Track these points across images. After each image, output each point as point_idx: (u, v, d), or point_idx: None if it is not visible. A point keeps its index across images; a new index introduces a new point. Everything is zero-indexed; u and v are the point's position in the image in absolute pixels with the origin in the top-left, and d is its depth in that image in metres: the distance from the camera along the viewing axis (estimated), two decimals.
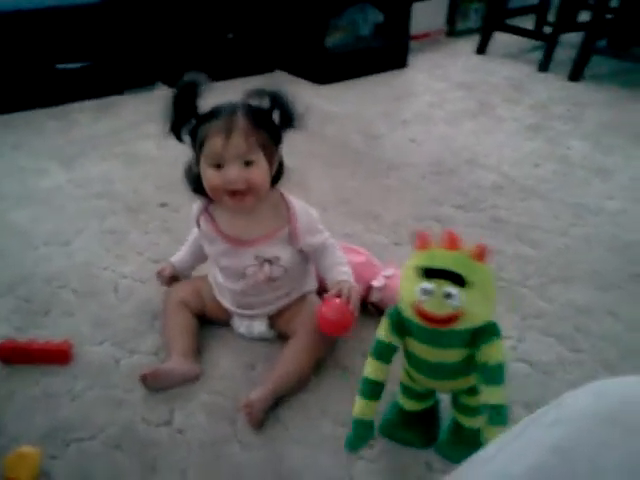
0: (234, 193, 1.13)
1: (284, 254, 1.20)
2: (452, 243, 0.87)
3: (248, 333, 1.28)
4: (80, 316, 1.34)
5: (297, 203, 1.22)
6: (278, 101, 1.13)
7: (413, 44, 3.13)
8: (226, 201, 1.15)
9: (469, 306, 0.85)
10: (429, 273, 0.86)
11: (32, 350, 1.20)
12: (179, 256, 1.34)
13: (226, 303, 1.28)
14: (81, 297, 1.40)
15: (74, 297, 1.40)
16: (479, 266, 0.86)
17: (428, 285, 0.86)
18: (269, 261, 1.19)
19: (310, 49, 2.82)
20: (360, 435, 1.01)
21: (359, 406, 0.99)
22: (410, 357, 0.97)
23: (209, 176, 1.13)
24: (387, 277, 1.35)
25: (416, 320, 0.89)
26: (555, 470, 0.46)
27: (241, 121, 1.10)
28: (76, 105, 2.46)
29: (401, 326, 0.94)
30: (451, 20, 3.52)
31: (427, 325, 0.88)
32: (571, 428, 0.48)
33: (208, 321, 1.31)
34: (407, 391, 1.03)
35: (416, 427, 1.05)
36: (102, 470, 1.01)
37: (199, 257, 1.32)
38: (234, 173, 1.10)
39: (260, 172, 1.13)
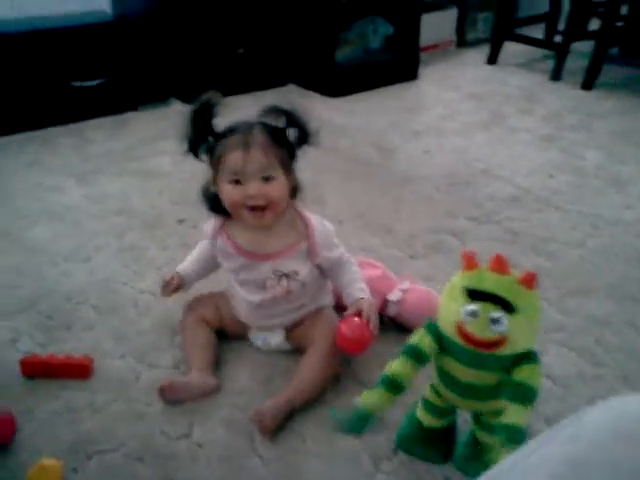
0: (254, 208, 1.14)
1: (302, 269, 1.21)
2: (501, 266, 0.86)
3: (265, 345, 1.29)
4: (100, 331, 1.35)
5: (314, 218, 1.23)
6: (293, 119, 1.15)
7: (423, 55, 3.15)
8: (245, 217, 1.16)
9: (513, 332, 0.85)
10: (475, 295, 0.86)
11: (54, 365, 1.21)
12: (186, 267, 1.32)
13: (243, 317, 1.29)
14: (101, 312, 1.41)
15: (94, 312, 1.41)
16: (527, 292, 0.86)
17: (475, 307, 0.86)
18: (287, 275, 1.21)
19: (320, 63, 2.84)
20: (358, 423, 1.01)
21: (371, 395, 0.98)
22: (443, 374, 0.97)
23: (228, 191, 1.14)
24: (403, 290, 1.35)
25: (457, 340, 0.89)
26: None
27: (259, 137, 1.12)
28: (91, 122, 2.49)
29: (439, 341, 0.94)
30: (460, 30, 3.53)
31: (469, 347, 0.88)
32: (587, 444, 0.49)
33: (226, 336, 1.31)
34: (429, 407, 1.03)
35: (434, 443, 1.05)
36: None
37: (206, 268, 1.33)
38: (254, 188, 1.12)
39: (279, 188, 1.15)
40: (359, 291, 1.23)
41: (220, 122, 1.16)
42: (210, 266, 1.32)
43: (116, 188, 2.00)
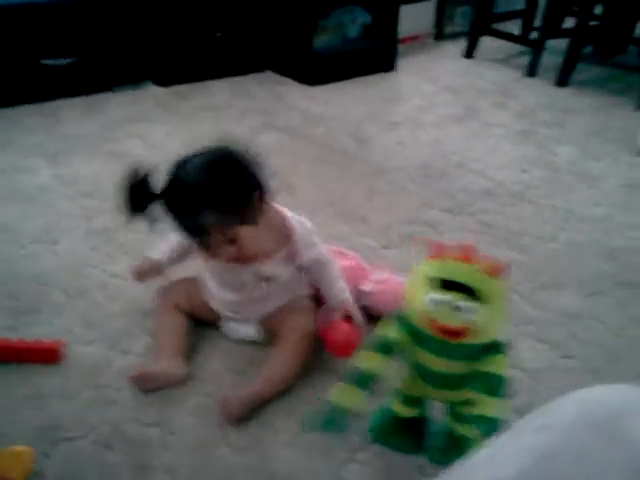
0: (228, 260, 1.16)
1: (284, 272, 1.22)
2: (467, 256, 0.87)
3: (237, 336, 1.28)
4: (70, 315, 1.33)
5: (294, 218, 1.22)
6: (242, 176, 1.11)
7: (401, 47, 3.14)
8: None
9: (480, 321, 0.85)
10: (441, 284, 0.87)
11: (22, 349, 1.19)
12: (159, 254, 1.30)
13: (216, 306, 1.28)
14: (71, 296, 1.39)
15: (64, 296, 1.39)
16: (493, 282, 0.87)
17: (440, 296, 0.86)
18: (267, 279, 1.20)
19: (298, 50, 2.82)
20: (332, 421, 0.99)
21: (344, 392, 0.97)
22: (413, 363, 0.97)
23: (203, 257, 1.20)
24: (377, 281, 1.35)
25: (425, 329, 0.89)
26: (542, 475, 0.47)
27: (213, 221, 1.07)
28: (63, 102, 2.43)
29: (409, 331, 0.94)
30: (439, 23, 3.54)
31: (437, 336, 0.88)
32: (557, 435, 0.50)
33: (197, 321, 1.30)
34: (403, 397, 1.04)
35: (408, 433, 1.06)
36: (93, 469, 1.01)
37: (182, 256, 1.30)
38: (224, 256, 1.14)
39: (247, 241, 1.13)
40: (340, 291, 1.23)
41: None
42: (186, 253, 1.29)
43: (87, 170, 1.96)
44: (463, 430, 1.00)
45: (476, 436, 0.90)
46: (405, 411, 1.04)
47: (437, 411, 1.07)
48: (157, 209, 1.10)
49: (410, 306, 0.92)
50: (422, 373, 0.96)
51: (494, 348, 0.90)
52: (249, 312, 1.26)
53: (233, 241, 1.12)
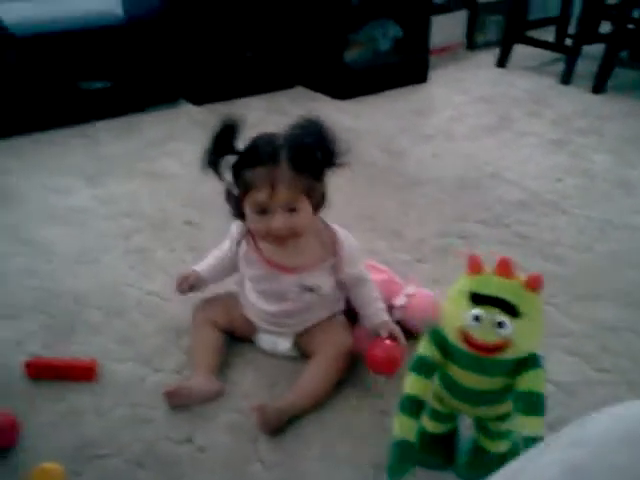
0: (276, 238, 1.15)
1: (325, 283, 1.22)
2: (506, 270, 0.86)
3: (272, 350, 1.29)
4: (106, 334, 1.36)
5: (341, 232, 1.23)
6: (322, 140, 1.12)
7: (433, 58, 3.13)
8: (269, 242, 1.17)
9: (518, 336, 0.84)
10: (479, 299, 0.85)
11: (59, 367, 1.22)
12: (203, 267, 1.31)
13: (253, 317, 1.29)
14: (107, 315, 1.42)
15: (100, 315, 1.42)
16: (531, 296, 0.85)
17: (479, 312, 0.85)
18: (311, 289, 1.21)
19: (329, 65, 2.84)
20: (403, 458, 0.93)
21: (400, 425, 0.94)
22: (446, 380, 0.96)
23: (253, 221, 1.15)
24: (409, 295, 1.35)
25: (460, 345, 0.88)
26: None
27: (285, 171, 1.09)
28: (100, 124, 2.50)
29: (442, 348, 0.93)
30: (470, 33, 3.52)
31: (473, 352, 0.87)
32: (590, 449, 0.49)
33: (233, 338, 1.31)
34: (432, 413, 1.03)
35: (436, 449, 1.05)
36: None
37: (225, 270, 1.32)
38: (279, 223, 1.11)
39: (303, 217, 1.14)
40: (382, 312, 1.24)
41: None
42: (228, 269, 1.31)
43: (124, 190, 2.01)
44: (493, 446, 0.98)
45: (505, 451, 0.89)
46: (434, 427, 1.03)
47: (464, 426, 1.06)
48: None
49: (447, 322, 0.91)
50: (453, 389, 0.95)
51: (532, 362, 0.89)
52: (287, 325, 1.26)
53: (292, 210, 1.11)
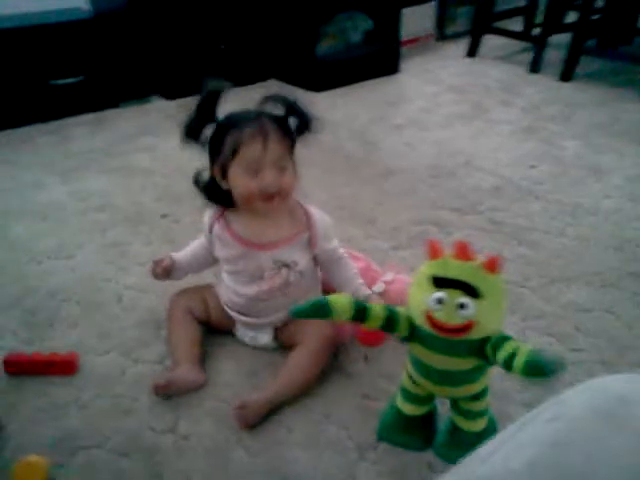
0: (267, 197, 1.14)
1: (302, 259, 1.22)
2: (465, 253, 0.88)
3: (253, 343, 1.29)
4: (85, 327, 1.35)
5: (314, 209, 1.24)
6: (293, 107, 1.16)
7: (403, 49, 3.16)
8: (257, 206, 1.16)
9: (481, 316, 0.86)
10: (442, 282, 0.88)
11: (38, 361, 1.21)
12: (180, 256, 1.31)
13: (232, 312, 1.29)
14: (85, 309, 1.41)
15: (79, 309, 1.41)
16: (491, 277, 0.87)
17: (441, 295, 0.87)
18: (287, 265, 1.20)
19: (302, 57, 2.85)
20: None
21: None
22: (417, 363, 0.98)
23: (245, 183, 1.13)
24: (387, 282, 1.36)
25: (426, 328, 0.90)
26: (552, 464, 0.48)
27: (272, 127, 1.13)
28: (72, 120, 2.48)
29: (411, 330, 0.95)
30: (440, 24, 3.55)
31: (438, 334, 0.89)
32: (569, 424, 0.50)
33: (212, 329, 1.32)
34: (408, 395, 1.04)
35: (415, 431, 1.06)
36: (109, 478, 1.02)
37: (199, 264, 1.32)
38: (271, 178, 1.12)
39: (291, 177, 1.16)
40: (363, 287, 1.25)
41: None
42: (204, 262, 1.31)
43: (99, 185, 1.99)
44: (469, 425, 1.01)
45: (481, 430, 0.91)
46: (410, 409, 1.05)
47: (443, 407, 1.08)
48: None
49: (412, 306, 0.93)
50: (425, 371, 0.97)
51: (501, 340, 0.89)
52: (264, 314, 1.26)
53: (281, 169, 1.13)
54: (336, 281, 1.28)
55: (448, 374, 0.95)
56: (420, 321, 0.91)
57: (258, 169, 1.12)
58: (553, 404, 0.54)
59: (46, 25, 2.38)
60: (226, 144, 1.13)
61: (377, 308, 0.96)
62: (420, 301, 0.90)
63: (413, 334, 0.95)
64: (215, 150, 1.16)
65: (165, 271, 1.27)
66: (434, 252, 0.90)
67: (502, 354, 0.87)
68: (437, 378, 0.96)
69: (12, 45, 2.32)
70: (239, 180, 1.14)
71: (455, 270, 0.88)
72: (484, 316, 0.87)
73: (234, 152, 1.12)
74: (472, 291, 0.86)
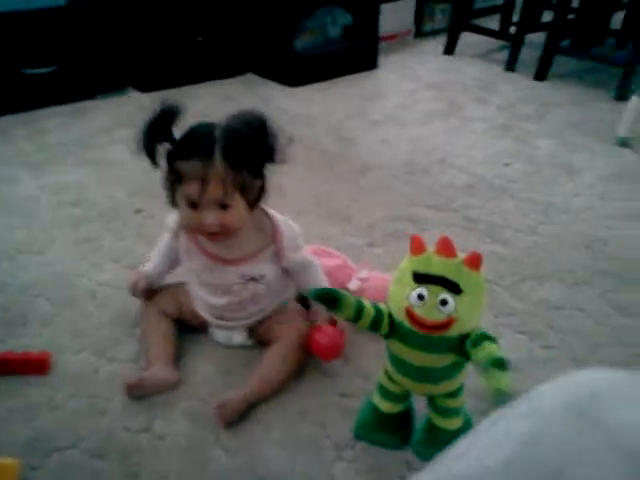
0: (209, 234, 1.13)
1: (269, 271, 1.21)
2: (447, 250, 0.88)
3: (227, 343, 1.29)
4: (58, 325, 1.33)
5: (281, 220, 1.21)
6: (261, 135, 1.07)
7: (382, 45, 3.16)
8: (201, 238, 1.17)
9: (462, 313, 0.87)
10: (422, 278, 0.88)
11: (10, 360, 1.19)
12: (152, 265, 1.31)
13: (204, 314, 1.28)
14: (58, 306, 1.39)
15: (51, 306, 1.39)
16: (473, 274, 0.88)
17: (422, 291, 0.88)
18: (254, 279, 1.20)
19: (280, 52, 2.83)
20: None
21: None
22: (395, 359, 0.98)
23: (184, 215, 1.12)
24: (362, 279, 1.37)
25: (406, 324, 0.90)
26: (526, 462, 0.48)
27: (218, 166, 1.05)
28: (45, 111, 2.44)
29: (390, 326, 0.95)
30: (418, 21, 3.56)
31: (418, 330, 0.89)
32: (540, 420, 0.50)
33: (185, 327, 1.31)
34: (384, 393, 1.05)
35: (391, 429, 1.07)
36: (84, 479, 1.01)
37: (172, 263, 1.31)
38: (209, 219, 1.09)
39: (236, 214, 1.11)
40: None
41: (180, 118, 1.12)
42: (176, 261, 1.30)
43: (72, 178, 1.96)
44: (445, 423, 1.02)
45: (457, 428, 0.92)
46: (387, 407, 1.05)
47: (419, 405, 1.09)
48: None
49: (392, 301, 0.93)
50: (403, 368, 0.98)
51: (480, 337, 0.90)
52: (237, 318, 1.25)
53: (224, 207, 1.08)
54: (300, 286, 1.27)
55: (426, 371, 0.95)
56: (400, 317, 0.91)
57: (198, 206, 1.09)
58: (524, 400, 0.55)
59: (19, 12, 2.33)
60: (173, 171, 1.10)
61: (369, 308, 0.97)
62: (401, 297, 0.90)
63: (392, 330, 0.95)
64: (167, 169, 1.12)
65: (144, 291, 1.29)
66: (417, 248, 0.90)
67: (480, 353, 0.88)
68: (415, 375, 0.97)
69: None
70: (182, 211, 1.12)
71: (438, 267, 0.88)
72: (464, 312, 0.88)
73: (176, 184, 1.10)
74: (454, 287, 0.87)
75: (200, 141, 1.08)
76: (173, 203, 1.16)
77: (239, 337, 1.27)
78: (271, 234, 1.20)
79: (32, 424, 1.10)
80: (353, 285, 1.36)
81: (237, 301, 1.22)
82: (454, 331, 0.89)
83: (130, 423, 1.10)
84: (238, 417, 1.10)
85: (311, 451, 1.06)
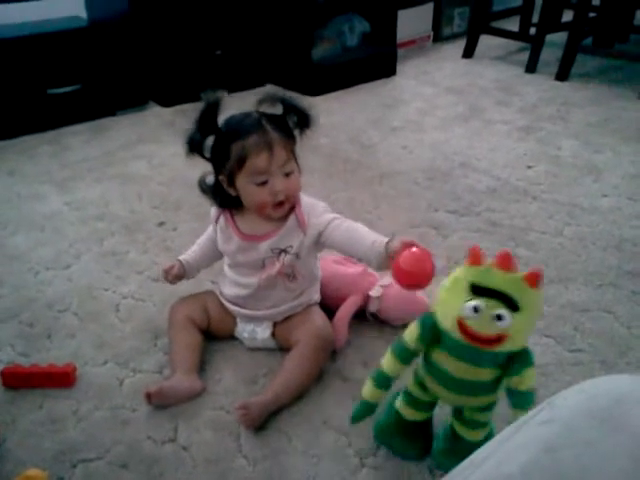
0: (278, 204, 1.17)
1: (294, 241, 1.22)
2: (508, 264, 0.85)
3: (251, 339, 1.29)
4: (82, 338, 1.35)
5: (301, 195, 1.25)
6: (291, 105, 1.17)
7: (400, 51, 3.16)
8: (269, 213, 1.19)
9: (515, 330, 0.84)
10: (480, 291, 0.85)
11: (36, 374, 1.21)
12: (189, 254, 1.33)
13: (232, 306, 1.29)
14: (83, 319, 1.41)
15: (76, 320, 1.41)
16: (532, 292, 0.84)
17: (479, 303, 0.84)
18: (284, 250, 1.22)
19: (298, 62, 2.85)
20: (363, 414, 1.03)
21: (368, 390, 1.01)
22: (434, 368, 0.95)
23: (256, 193, 1.16)
24: (384, 286, 1.36)
25: (455, 335, 0.88)
26: (546, 469, 0.47)
27: (275, 133, 1.14)
28: (69, 129, 2.48)
29: (433, 336, 0.92)
30: (436, 26, 3.55)
31: (469, 343, 0.86)
32: (562, 427, 0.49)
33: (211, 336, 1.32)
34: (410, 400, 1.03)
35: (411, 436, 1.05)
36: None
37: (209, 257, 1.34)
38: (280, 186, 1.15)
39: (297, 180, 1.20)
40: (379, 237, 1.13)
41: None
42: (213, 255, 1.33)
43: (95, 194, 1.99)
44: (471, 435, 0.99)
45: (481, 439, 0.90)
46: (410, 414, 1.04)
47: (439, 413, 1.07)
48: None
49: (442, 310, 0.90)
50: (441, 377, 0.95)
51: (524, 359, 0.89)
52: (265, 305, 1.26)
53: (287, 175, 1.16)
54: (346, 247, 1.20)
55: (468, 383, 0.92)
56: (449, 327, 0.88)
57: (266, 178, 1.14)
58: (546, 406, 0.54)
59: (44, 34, 2.39)
60: (232, 154, 1.14)
61: (389, 368, 0.99)
62: (453, 307, 0.87)
63: (436, 339, 0.93)
64: (220, 159, 1.17)
65: (177, 277, 1.31)
66: (474, 258, 0.87)
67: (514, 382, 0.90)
68: (454, 386, 0.94)
69: (10, 55, 2.32)
70: (248, 190, 1.17)
71: (498, 280, 0.84)
72: (518, 330, 0.84)
73: (241, 163, 1.14)
74: (512, 303, 0.83)
75: (248, 121, 1.16)
76: (220, 201, 1.23)
77: (263, 333, 1.28)
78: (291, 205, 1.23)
79: (58, 436, 1.11)
80: (375, 292, 1.36)
81: (266, 277, 1.22)
82: (505, 347, 0.86)
83: (154, 433, 1.11)
84: (260, 422, 1.10)
85: (334, 459, 1.05)
